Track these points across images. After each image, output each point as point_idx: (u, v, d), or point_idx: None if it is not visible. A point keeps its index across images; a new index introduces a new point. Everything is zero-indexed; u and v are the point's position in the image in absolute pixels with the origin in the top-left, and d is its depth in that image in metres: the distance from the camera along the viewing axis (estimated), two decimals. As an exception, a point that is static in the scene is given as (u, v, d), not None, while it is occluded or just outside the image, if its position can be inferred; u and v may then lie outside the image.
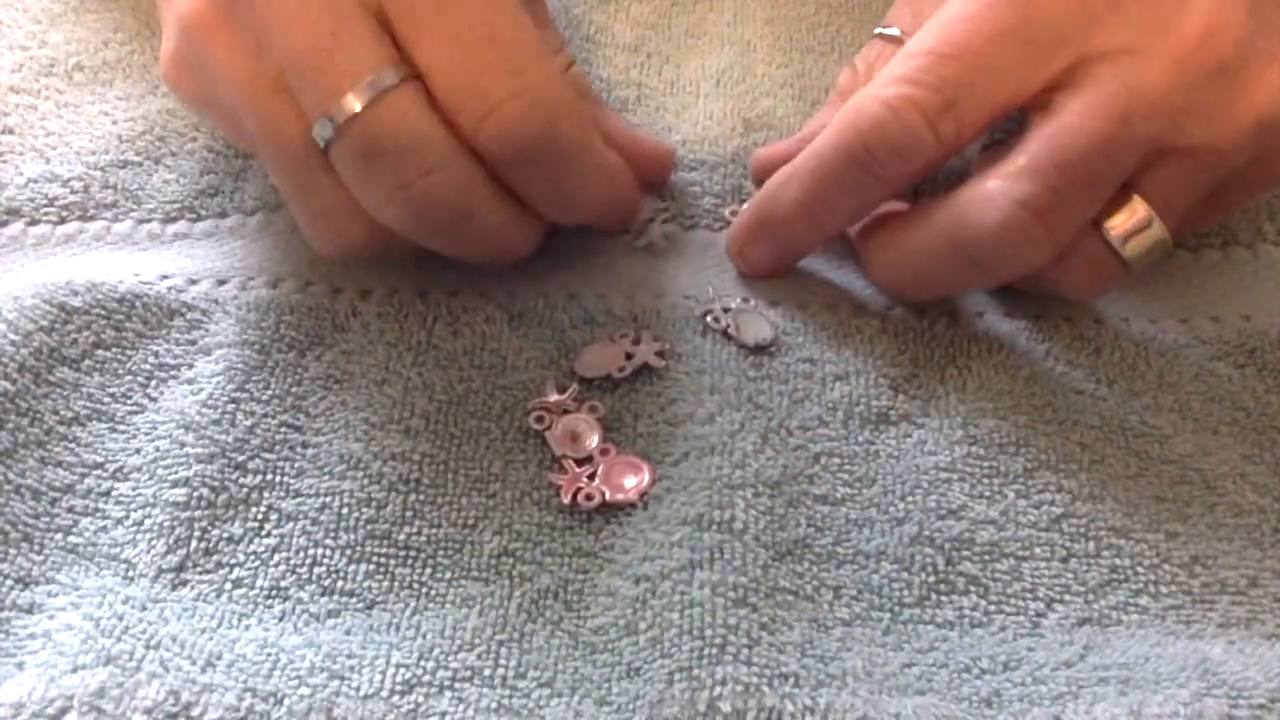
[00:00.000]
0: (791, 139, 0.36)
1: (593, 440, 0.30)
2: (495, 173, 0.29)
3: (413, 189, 0.28)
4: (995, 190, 0.30)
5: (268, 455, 0.30)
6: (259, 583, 0.28)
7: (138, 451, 0.30)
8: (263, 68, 0.28)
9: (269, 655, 0.26)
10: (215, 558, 0.28)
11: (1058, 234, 0.30)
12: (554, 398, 0.31)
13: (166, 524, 0.28)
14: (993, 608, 0.28)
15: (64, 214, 0.35)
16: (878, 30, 0.36)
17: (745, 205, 0.34)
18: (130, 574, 0.28)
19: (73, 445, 0.30)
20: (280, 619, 0.27)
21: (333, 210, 0.30)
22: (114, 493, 0.29)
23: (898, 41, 0.35)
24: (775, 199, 0.33)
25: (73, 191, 0.36)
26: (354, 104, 0.27)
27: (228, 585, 0.28)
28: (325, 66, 0.28)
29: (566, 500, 0.29)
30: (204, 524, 0.28)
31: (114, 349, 0.31)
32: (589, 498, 0.29)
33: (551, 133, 0.28)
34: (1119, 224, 0.31)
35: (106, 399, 0.31)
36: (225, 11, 0.29)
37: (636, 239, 0.35)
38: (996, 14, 0.30)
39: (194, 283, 0.33)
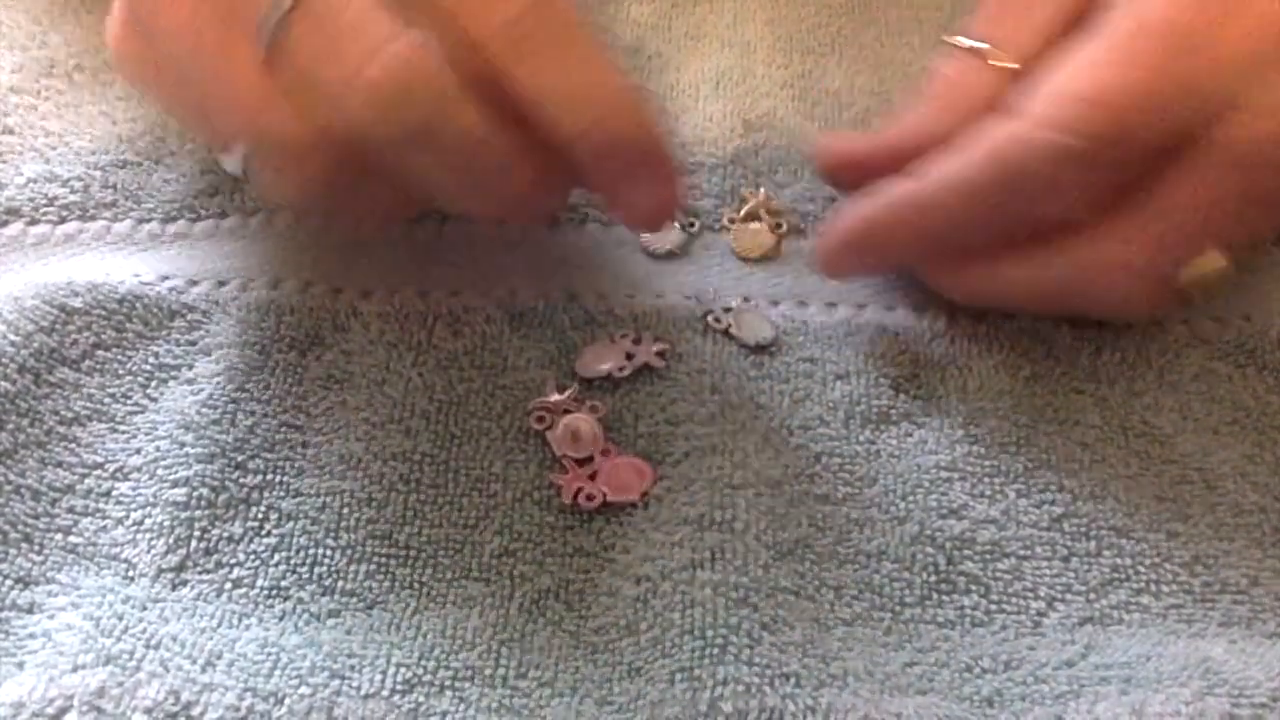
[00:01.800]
0: (873, 138, 0.34)
1: (593, 439, 0.30)
2: (494, 74, 0.27)
3: (379, 55, 0.26)
4: (1119, 260, 0.30)
5: (268, 455, 0.30)
6: (259, 582, 0.28)
7: (138, 452, 0.30)
8: (210, 6, 0.27)
9: (269, 655, 0.26)
10: (215, 557, 0.28)
11: (1166, 291, 0.30)
12: (554, 398, 0.31)
13: (166, 524, 0.28)
14: (994, 607, 0.28)
15: (64, 214, 0.35)
16: (966, 43, 0.34)
17: (845, 213, 0.32)
18: (130, 574, 0.28)
19: (73, 445, 0.30)
20: (280, 619, 0.27)
21: (288, 142, 0.27)
22: (114, 493, 0.29)
23: (986, 56, 0.33)
24: (892, 223, 0.31)
25: (73, 191, 0.36)
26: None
27: (228, 585, 0.28)
28: None
29: (567, 500, 0.29)
30: (204, 524, 0.28)
31: (114, 349, 0.31)
32: (590, 498, 0.29)
33: (543, 5, 0.27)
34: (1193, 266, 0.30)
35: (107, 399, 0.31)
36: None
37: (655, 245, 0.35)
38: (1153, 58, 0.29)
39: (194, 284, 0.33)
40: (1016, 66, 0.33)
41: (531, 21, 0.27)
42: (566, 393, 0.31)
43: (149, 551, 0.28)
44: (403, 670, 0.26)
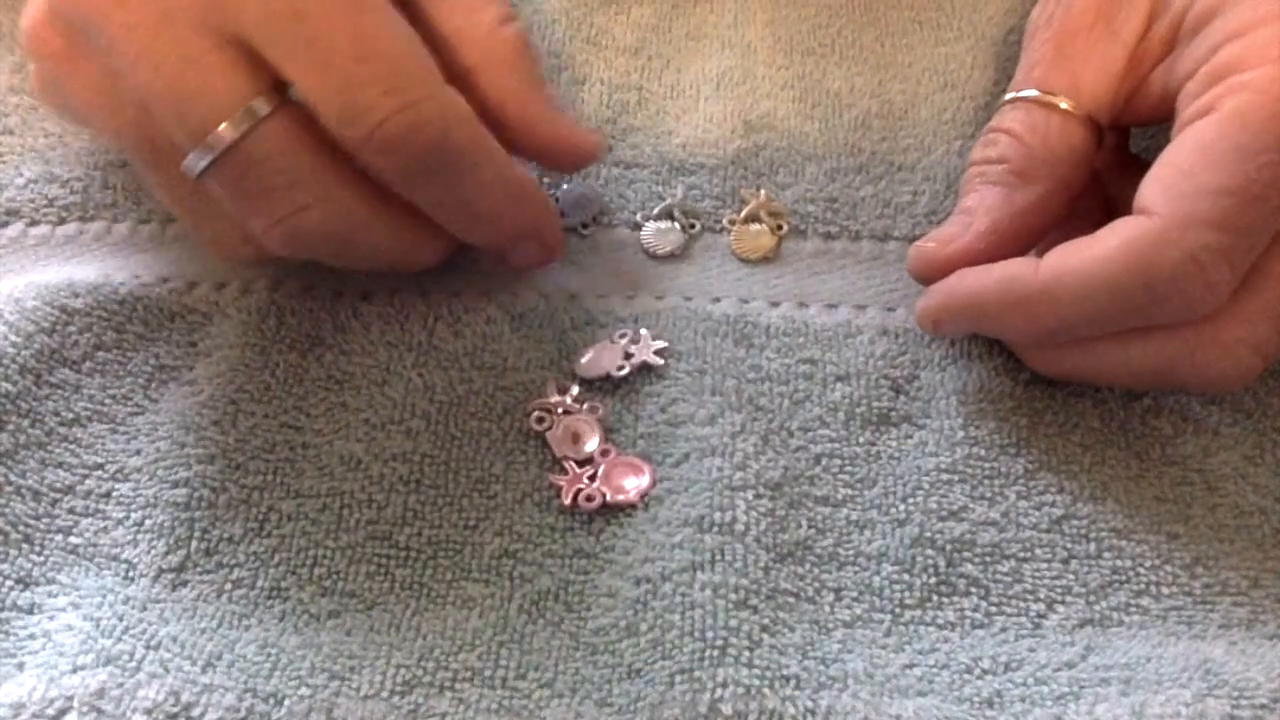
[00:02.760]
0: (968, 238, 0.32)
1: (593, 441, 0.30)
2: (392, 187, 0.29)
3: (287, 223, 0.28)
4: (1235, 340, 0.29)
5: (268, 456, 0.30)
6: (259, 583, 0.28)
7: (138, 452, 0.30)
8: (122, 99, 0.28)
9: (269, 655, 0.26)
10: (215, 558, 0.28)
11: (1269, 363, 0.30)
12: (554, 399, 0.31)
13: (167, 524, 0.28)
14: (994, 609, 0.28)
15: (64, 214, 0.35)
16: (1027, 94, 0.33)
17: (955, 280, 0.31)
18: (130, 574, 0.28)
19: (73, 446, 0.30)
20: (280, 619, 0.27)
21: (221, 232, 0.30)
22: (114, 493, 0.29)
23: (1054, 105, 0.33)
24: (1005, 305, 0.30)
25: (72, 192, 0.36)
26: (221, 141, 0.27)
27: (228, 585, 0.28)
28: (186, 102, 0.27)
29: (567, 501, 0.29)
30: (204, 524, 0.28)
31: (115, 351, 0.31)
32: (589, 499, 0.29)
33: (441, 144, 0.28)
34: None
35: (107, 400, 0.31)
36: (68, 43, 0.28)
37: (655, 246, 0.35)
38: (1275, 138, 0.28)
39: (195, 286, 0.33)
40: (1091, 114, 0.32)
41: (428, 165, 0.28)
42: (566, 393, 0.31)
43: (149, 552, 0.28)
44: (402, 671, 0.26)
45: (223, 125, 0.27)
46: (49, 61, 0.29)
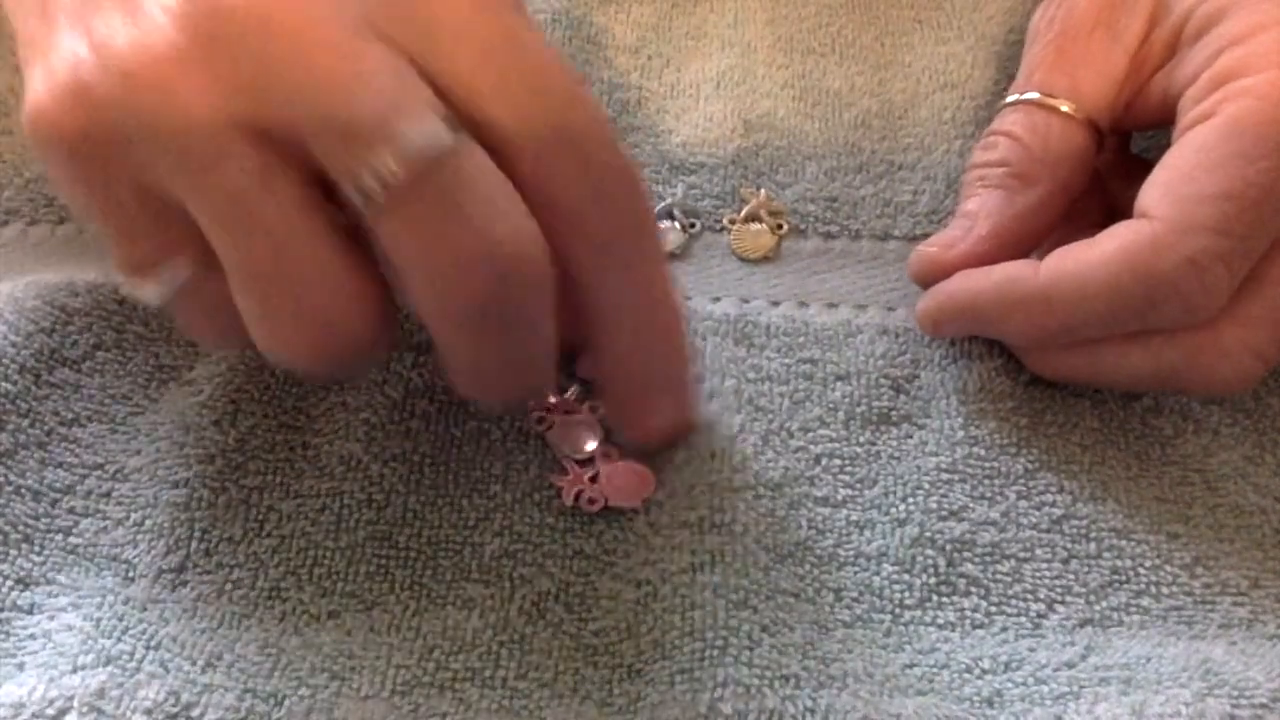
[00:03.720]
0: (964, 240, 0.32)
1: (593, 441, 0.30)
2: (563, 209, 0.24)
3: (493, 238, 0.23)
4: (1235, 344, 0.29)
5: (268, 456, 0.30)
6: (259, 583, 0.28)
7: (138, 452, 0.30)
8: (251, 117, 0.22)
9: (269, 656, 0.26)
10: (215, 558, 0.28)
11: (1269, 367, 0.30)
12: (554, 399, 0.31)
13: (166, 524, 0.28)
14: (994, 609, 0.28)
15: (63, 214, 0.35)
16: (1033, 97, 0.33)
17: (954, 282, 0.32)
18: (130, 574, 0.28)
19: (73, 446, 0.30)
20: (280, 619, 0.27)
21: (328, 285, 0.23)
22: (114, 493, 0.29)
23: (1055, 107, 0.33)
24: (1004, 308, 0.30)
25: (73, 192, 0.36)
26: (430, 144, 0.22)
27: (228, 586, 0.28)
28: (378, 101, 0.22)
29: (569, 502, 0.29)
30: (204, 524, 0.28)
31: (115, 351, 0.31)
32: (592, 501, 0.29)
33: (613, 142, 0.25)
34: None
35: (107, 400, 0.31)
36: (208, 44, 0.22)
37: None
38: (1275, 144, 0.28)
39: None
40: (1092, 118, 0.32)
41: (604, 156, 0.25)
42: (567, 393, 0.31)
43: (149, 552, 0.28)
44: (402, 671, 0.26)
45: (429, 122, 0.22)
46: (155, 67, 0.22)
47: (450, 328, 0.24)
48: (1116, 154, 0.35)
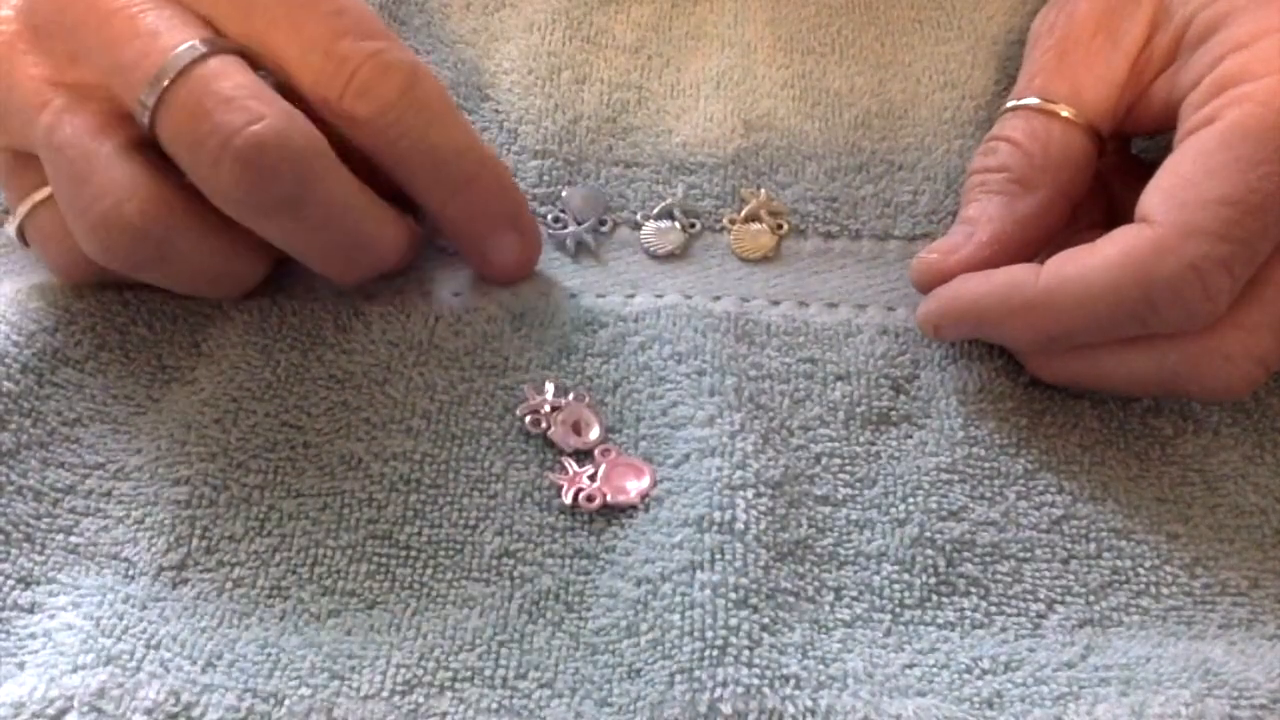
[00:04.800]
0: (965, 246, 0.32)
1: (595, 429, 0.30)
2: (369, 151, 0.30)
3: (243, 133, 0.27)
4: (1237, 350, 0.29)
5: (269, 455, 0.30)
6: (260, 582, 0.28)
7: (139, 451, 0.30)
8: (69, 77, 0.29)
9: (269, 655, 0.26)
10: (216, 556, 0.28)
11: (1270, 372, 0.30)
12: (535, 399, 0.31)
13: (167, 522, 0.28)
14: (994, 609, 0.28)
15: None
16: (1028, 102, 0.33)
17: (954, 286, 0.32)
18: (130, 572, 0.28)
19: (75, 446, 0.30)
20: (281, 618, 0.27)
21: (111, 181, 0.28)
22: (115, 492, 0.29)
23: (1056, 112, 0.33)
24: (1004, 311, 0.30)
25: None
26: (180, 62, 0.27)
27: (228, 584, 0.28)
28: (150, 39, 0.28)
29: (568, 500, 0.29)
30: (205, 522, 0.28)
31: (117, 351, 0.31)
32: (590, 499, 0.29)
33: (412, 88, 0.29)
34: None
35: (109, 400, 0.31)
36: (34, 35, 0.29)
37: (656, 246, 0.35)
38: (1276, 149, 0.28)
39: None
40: (1092, 123, 0.33)
41: (401, 107, 0.29)
42: (546, 393, 0.31)
43: (149, 550, 0.28)
44: (402, 671, 0.26)
45: (182, 47, 0.28)
46: (5, 49, 0.29)
47: (243, 217, 0.29)
48: (1118, 157, 0.35)
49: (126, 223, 0.28)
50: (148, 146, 0.29)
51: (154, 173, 0.28)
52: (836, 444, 0.31)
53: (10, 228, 0.31)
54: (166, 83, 0.27)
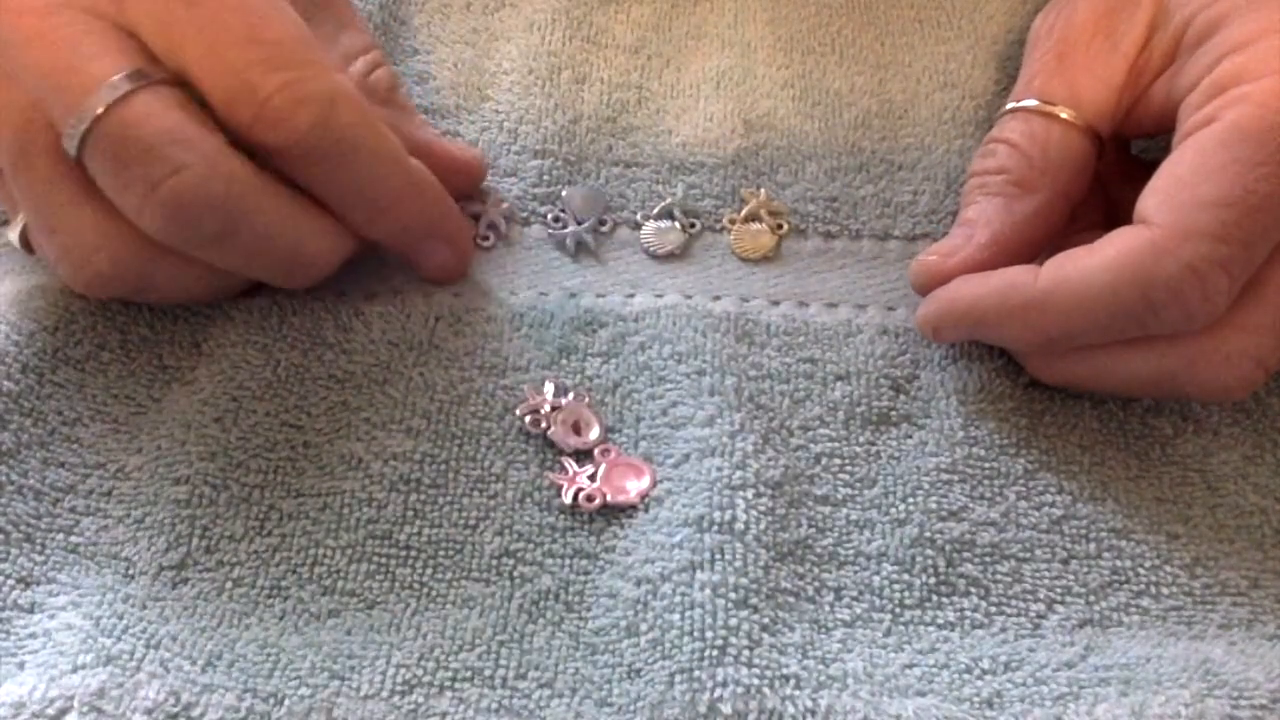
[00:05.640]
0: (965, 248, 0.32)
1: (595, 428, 0.30)
2: (288, 175, 0.29)
3: (163, 187, 0.27)
4: (1236, 351, 0.29)
5: (269, 454, 0.30)
6: (259, 581, 0.28)
7: (139, 450, 0.30)
8: (14, 96, 0.28)
9: (269, 655, 0.26)
10: (216, 555, 0.28)
11: (1270, 373, 0.30)
12: (535, 398, 0.31)
13: (167, 521, 0.28)
14: (994, 609, 0.28)
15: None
16: (1027, 104, 0.33)
17: (953, 288, 0.32)
18: (130, 571, 0.28)
19: (75, 445, 0.30)
20: (280, 618, 0.27)
21: (76, 238, 0.29)
22: (115, 492, 0.29)
23: (1055, 114, 0.33)
24: (1003, 313, 0.30)
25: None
26: (101, 103, 0.27)
27: (228, 584, 0.28)
28: (72, 73, 0.27)
29: (567, 500, 0.29)
30: (205, 521, 0.28)
31: (118, 351, 0.31)
32: (590, 499, 0.29)
33: (326, 119, 0.28)
34: None
35: (110, 400, 0.31)
36: None
37: (656, 246, 0.35)
38: (1274, 151, 0.28)
39: None
40: (1091, 124, 0.32)
41: (313, 139, 0.28)
42: (568, 395, 0.31)
43: (149, 549, 0.28)
44: (403, 671, 0.26)
45: (104, 87, 0.27)
46: None
47: (174, 246, 0.29)
48: (1117, 158, 0.35)
49: (99, 272, 0.29)
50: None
51: (115, 217, 0.29)
52: (836, 444, 0.31)
53: (13, 236, 0.31)
54: (88, 125, 0.27)
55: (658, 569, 0.28)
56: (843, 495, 0.30)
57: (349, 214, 0.31)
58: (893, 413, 0.32)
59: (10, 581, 0.27)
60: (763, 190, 0.36)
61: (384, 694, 0.26)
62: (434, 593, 0.28)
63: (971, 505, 0.30)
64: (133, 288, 0.30)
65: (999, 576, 0.29)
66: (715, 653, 0.26)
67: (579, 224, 0.35)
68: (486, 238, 0.35)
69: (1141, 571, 0.29)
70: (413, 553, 0.29)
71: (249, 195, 0.28)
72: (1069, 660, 0.27)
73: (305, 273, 0.31)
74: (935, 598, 0.28)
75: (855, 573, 0.29)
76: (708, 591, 0.27)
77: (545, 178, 0.36)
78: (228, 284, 0.31)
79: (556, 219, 0.35)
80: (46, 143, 0.28)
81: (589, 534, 0.29)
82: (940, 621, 0.28)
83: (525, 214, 0.35)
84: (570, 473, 0.30)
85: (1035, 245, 0.32)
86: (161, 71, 0.28)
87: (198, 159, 0.27)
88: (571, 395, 0.31)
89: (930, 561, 0.29)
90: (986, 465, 0.30)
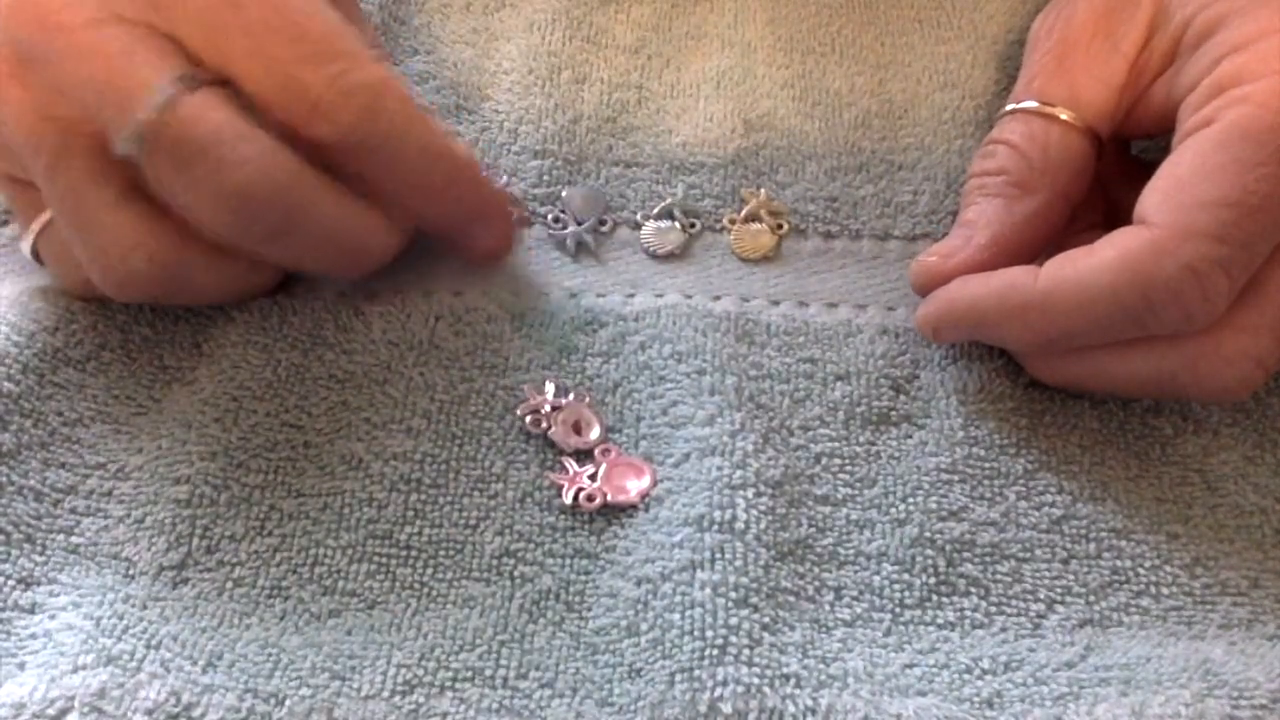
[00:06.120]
0: (964, 249, 0.32)
1: (596, 428, 0.30)
2: (338, 171, 0.29)
3: (229, 182, 0.27)
4: (1236, 351, 0.29)
5: (269, 454, 0.30)
6: (260, 581, 0.28)
7: (140, 450, 0.30)
8: (57, 111, 0.28)
9: (270, 655, 0.26)
10: (217, 555, 0.28)
11: (1270, 373, 0.30)
12: (535, 398, 0.31)
13: (168, 521, 0.28)
14: (994, 609, 0.28)
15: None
16: (1027, 105, 0.33)
17: (953, 289, 0.32)
18: (130, 572, 0.28)
19: (75, 446, 0.30)
20: (281, 618, 0.27)
21: (115, 232, 0.29)
22: (115, 492, 0.29)
23: (1055, 115, 0.33)
24: (1003, 314, 0.30)
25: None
26: (156, 106, 0.27)
27: (229, 584, 0.28)
28: (126, 79, 0.27)
29: (568, 500, 0.29)
30: (206, 521, 0.28)
31: (119, 351, 0.31)
32: (590, 498, 0.29)
33: (374, 110, 0.29)
34: None
35: (110, 401, 0.31)
36: (18, 64, 0.29)
37: (656, 246, 0.35)
38: (1274, 151, 0.28)
39: None
40: (1091, 125, 0.32)
41: (363, 130, 0.29)
42: (569, 395, 0.31)
43: (149, 549, 0.28)
44: (403, 671, 0.26)
45: (156, 90, 0.27)
46: None
47: (238, 245, 0.29)
48: (1117, 158, 0.35)
49: (136, 271, 0.29)
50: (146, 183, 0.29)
51: (156, 217, 0.29)
52: (836, 444, 0.31)
53: (25, 248, 0.32)
54: (145, 130, 0.27)
55: (658, 568, 0.28)
56: (843, 495, 0.30)
57: (400, 201, 0.31)
58: (893, 413, 0.32)
59: (11, 582, 0.27)
60: (763, 190, 0.36)
61: (385, 694, 0.26)
62: (435, 593, 0.28)
63: (971, 505, 0.30)
64: (167, 288, 0.30)
65: (999, 576, 0.29)
66: (715, 652, 0.26)
67: (579, 224, 0.35)
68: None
69: (1141, 571, 0.29)
70: (413, 553, 0.29)
71: (308, 188, 0.29)
72: (1069, 660, 0.27)
73: (362, 262, 0.31)
74: (935, 597, 0.28)
75: (855, 572, 0.29)
76: (708, 591, 0.27)
77: (545, 178, 0.36)
78: (264, 280, 0.32)
79: (556, 219, 0.36)
80: (87, 145, 0.28)
81: (589, 534, 0.29)
82: (940, 621, 0.28)
83: (525, 214, 0.36)
84: (571, 472, 0.30)
85: (1035, 246, 0.32)
86: (208, 74, 0.28)
87: (257, 154, 0.28)
88: (572, 395, 0.31)
89: (930, 561, 0.29)
90: (986, 465, 0.30)
